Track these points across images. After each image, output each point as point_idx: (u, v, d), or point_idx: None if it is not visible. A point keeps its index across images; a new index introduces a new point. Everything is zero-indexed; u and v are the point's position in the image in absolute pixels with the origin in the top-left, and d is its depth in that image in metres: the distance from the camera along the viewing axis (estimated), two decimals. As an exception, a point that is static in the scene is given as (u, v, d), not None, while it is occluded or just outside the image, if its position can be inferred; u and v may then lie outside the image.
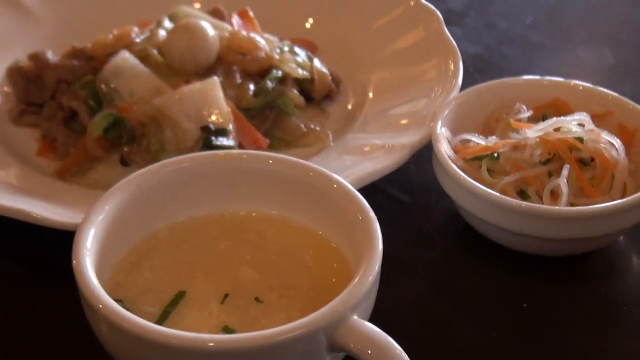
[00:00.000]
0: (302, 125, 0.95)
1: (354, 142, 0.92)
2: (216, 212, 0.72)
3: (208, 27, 0.93)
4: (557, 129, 0.83)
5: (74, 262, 0.61)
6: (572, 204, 0.78)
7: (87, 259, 0.62)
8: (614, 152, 0.82)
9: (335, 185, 0.67)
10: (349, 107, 1.00)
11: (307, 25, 1.11)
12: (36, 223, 0.76)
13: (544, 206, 0.76)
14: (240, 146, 0.86)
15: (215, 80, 0.89)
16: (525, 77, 0.92)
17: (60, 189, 0.85)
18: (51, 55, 0.96)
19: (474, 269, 0.81)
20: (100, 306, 0.58)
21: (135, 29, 0.97)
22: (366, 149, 0.89)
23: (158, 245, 0.70)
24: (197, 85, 0.87)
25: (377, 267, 0.60)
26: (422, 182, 0.88)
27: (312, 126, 0.95)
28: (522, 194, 0.81)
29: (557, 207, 0.76)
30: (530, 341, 0.73)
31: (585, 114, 0.85)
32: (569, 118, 0.84)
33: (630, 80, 1.03)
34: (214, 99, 0.87)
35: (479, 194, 0.77)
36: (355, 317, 0.58)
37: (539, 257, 0.81)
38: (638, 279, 0.82)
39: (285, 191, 0.71)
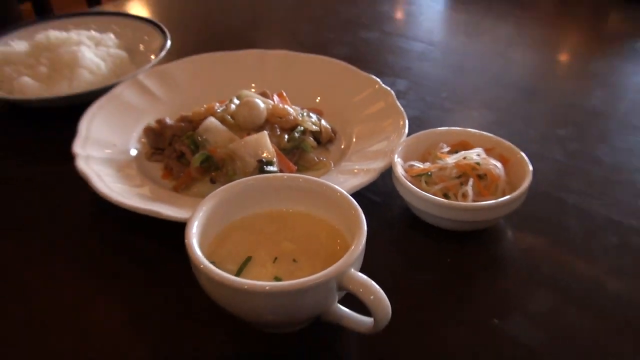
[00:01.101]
0: (315, 158, 0.92)
1: (345, 167, 0.88)
2: (268, 209, 0.71)
3: (260, 102, 0.91)
4: (464, 158, 0.81)
5: (186, 240, 0.62)
6: (474, 201, 0.77)
7: (194, 239, 0.62)
8: (497, 171, 0.80)
9: (338, 194, 0.67)
10: (342, 147, 0.96)
11: (317, 100, 1.07)
12: (163, 219, 0.75)
13: (458, 202, 0.76)
14: (281, 171, 0.84)
15: (265, 133, 0.87)
16: (443, 128, 0.88)
17: (176, 198, 0.83)
18: (169, 120, 0.94)
19: (417, 239, 0.81)
20: (201, 266, 0.59)
21: (217, 104, 0.94)
22: (355, 170, 0.85)
23: (234, 229, 0.69)
24: (254, 136, 0.86)
25: (363, 241, 0.61)
26: (386, 190, 0.87)
27: (321, 158, 0.93)
28: (446, 196, 0.78)
29: (465, 203, 0.76)
30: (452, 281, 0.74)
31: (480, 149, 0.83)
32: (471, 151, 0.82)
33: (504, 129, 1.03)
34: (264, 143, 0.85)
35: (420, 196, 0.77)
36: (352, 270, 0.59)
37: (454, 232, 0.80)
38: (509, 243, 0.80)
39: (309, 197, 0.70)
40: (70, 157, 0.86)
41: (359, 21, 1.55)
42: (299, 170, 0.89)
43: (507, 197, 0.76)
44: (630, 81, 1.27)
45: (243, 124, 0.90)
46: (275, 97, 1.00)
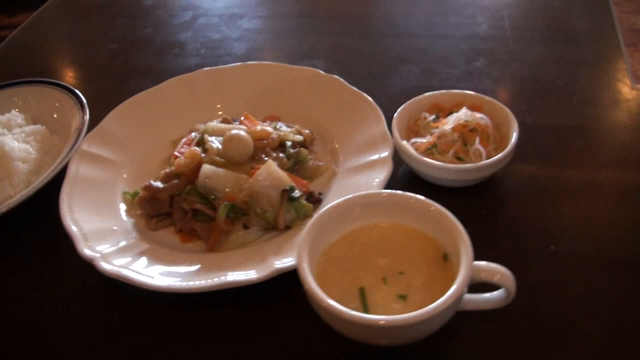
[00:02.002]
0: (314, 165, 0.94)
1: (350, 165, 0.91)
2: (362, 225, 0.73)
3: (242, 132, 0.90)
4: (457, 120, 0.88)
5: (305, 283, 0.64)
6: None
7: (311, 280, 0.64)
8: (484, 122, 0.88)
9: (432, 208, 0.70)
10: (328, 145, 0.98)
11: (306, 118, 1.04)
12: (251, 283, 0.73)
13: (483, 162, 0.83)
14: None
15: (271, 162, 0.87)
16: (416, 98, 0.95)
17: (223, 258, 0.80)
18: (156, 183, 0.88)
19: (425, 191, 0.80)
20: (324, 305, 0.62)
21: (198, 149, 0.90)
22: (363, 165, 0.88)
23: (331, 253, 0.71)
24: (263, 169, 0.85)
25: (471, 248, 0.65)
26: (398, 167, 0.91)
27: (319, 163, 0.94)
28: (460, 159, 0.86)
29: (489, 160, 0.83)
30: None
31: (464, 108, 0.90)
32: (459, 113, 0.89)
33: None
34: (276, 172, 0.85)
35: (447, 168, 0.84)
36: (475, 262, 0.64)
37: (458, 188, 0.88)
38: (499, 190, 0.89)
39: (397, 209, 0.73)
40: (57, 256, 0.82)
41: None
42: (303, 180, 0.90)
43: (513, 141, 0.85)
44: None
45: (238, 159, 0.89)
46: (245, 121, 0.98)
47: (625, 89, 1.07)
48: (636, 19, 1.26)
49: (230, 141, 0.89)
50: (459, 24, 1.32)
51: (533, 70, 1.15)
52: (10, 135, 1.04)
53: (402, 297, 0.67)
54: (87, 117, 1.04)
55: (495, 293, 0.69)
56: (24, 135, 1.05)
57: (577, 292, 0.74)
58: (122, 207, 0.92)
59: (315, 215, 0.72)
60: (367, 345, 0.68)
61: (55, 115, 1.10)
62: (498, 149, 0.88)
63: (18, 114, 1.11)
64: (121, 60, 1.31)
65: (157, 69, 1.27)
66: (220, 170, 0.87)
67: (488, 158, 0.86)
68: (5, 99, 1.15)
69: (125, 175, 0.97)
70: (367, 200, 0.74)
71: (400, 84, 1.15)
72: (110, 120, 1.03)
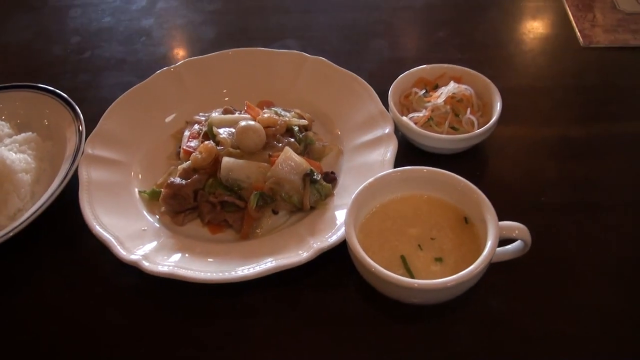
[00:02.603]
0: (320, 145, 1.01)
1: (354, 144, 0.99)
2: (388, 199, 0.83)
3: (254, 123, 0.94)
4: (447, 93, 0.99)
5: (352, 248, 0.75)
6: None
7: (358, 246, 0.75)
8: (469, 92, 0.99)
9: (462, 183, 0.81)
10: (327, 125, 1.05)
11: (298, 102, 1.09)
12: (300, 264, 0.81)
13: (481, 129, 0.93)
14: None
15: (288, 148, 0.92)
16: (405, 73, 1.04)
17: (255, 244, 0.87)
18: (177, 179, 0.92)
19: (425, 159, 0.97)
20: (373, 269, 0.72)
21: (212, 143, 0.94)
22: (367, 143, 0.97)
23: (373, 219, 0.82)
24: (282, 156, 0.90)
25: (494, 212, 0.76)
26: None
27: (324, 143, 1.01)
28: (454, 128, 0.96)
29: (484, 128, 0.94)
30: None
31: (452, 82, 1.01)
32: (452, 85, 1.00)
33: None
34: (295, 157, 0.91)
35: (440, 139, 0.95)
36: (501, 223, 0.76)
37: (450, 155, 0.99)
38: (487, 152, 1.00)
39: (433, 183, 0.82)
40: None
41: None
42: (315, 161, 0.98)
43: (498, 110, 0.96)
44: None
45: (253, 149, 0.94)
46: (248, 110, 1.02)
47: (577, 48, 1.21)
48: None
49: (244, 132, 0.94)
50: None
51: (492, 37, 1.26)
52: (4, 147, 1.03)
53: (439, 260, 0.78)
54: (83, 122, 1.04)
55: (514, 245, 0.81)
56: (17, 145, 1.04)
57: (572, 237, 0.88)
58: (142, 206, 0.96)
59: (355, 194, 0.81)
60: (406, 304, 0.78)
61: (45, 122, 1.09)
62: (483, 116, 1.00)
63: (3, 122, 1.09)
64: (88, 53, 1.29)
65: (129, 60, 1.27)
66: (241, 161, 0.92)
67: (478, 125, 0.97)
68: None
69: (134, 174, 1.00)
70: (398, 175, 0.84)
71: (374, 58, 1.23)
72: (107, 121, 1.05)
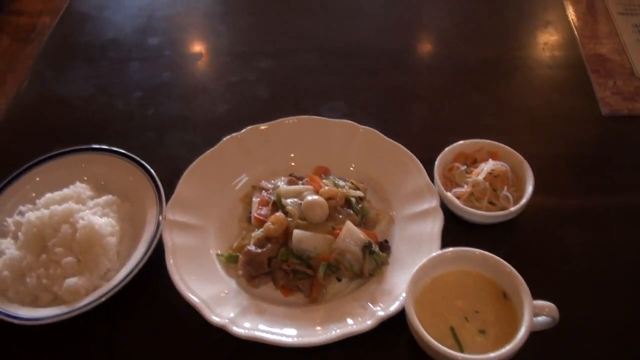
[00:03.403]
0: (375, 214, 1.15)
1: (401, 213, 1.14)
2: (438, 274, 0.99)
3: (318, 197, 1.09)
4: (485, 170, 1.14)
5: (412, 323, 0.91)
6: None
7: (417, 321, 0.90)
8: (504, 168, 1.14)
9: (507, 269, 0.95)
10: (380, 195, 1.19)
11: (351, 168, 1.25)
12: (364, 331, 0.96)
13: (515, 207, 1.08)
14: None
15: (349, 222, 1.06)
16: (447, 149, 1.19)
17: (324, 308, 1.02)
18: (253, 248, 1.07)
19: (463, 227, 1.11)
20: (429, 343, 0.88)
21: (280, 214, 1.09)
22: (415, 214, 1.12)
23: (425, 295, 0.97)
24: (345, 229, 1.05)
25: (529, 291, 0.91)
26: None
27: (377, 211, 1.15)
28: (492, 203, 1.11)
29: (518, 205, 1.09)
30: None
31: (491, 160, 1.15)
32: (490, 163, 1.14)
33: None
34: (355, 230, 1.06)
35: (482, 215, 1.10)
36: (534, 301, 0.91)
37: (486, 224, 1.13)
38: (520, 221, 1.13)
39: (477, 261, 0.98)
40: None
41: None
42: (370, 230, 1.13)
43: (530, 191, 1.11)
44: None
45: (318, 221, 1.09)
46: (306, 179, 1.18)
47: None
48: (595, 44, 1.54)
49: (311, 207, 1.09)
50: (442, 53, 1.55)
51: (520, 101, 1.41)
52: (88, 211, 1.15)
53: (482, 332, 0.93)
54: (162, 189, 1.17)
55: (544, 319, 0.96)
56: (100, 208, 1.16)
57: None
58: (220, 268, 1.11)
59: (413, 273, 0.96)
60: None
61: (123, 184, 1.22)
62: (517, 190, 1.15)
63: (83, 185, 1.21)
64: (152, 110, 1.43)
65: (191, 118, 1.41)
66: (309, 233, 1.07)
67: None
68: (69, 165, 1.26)
69: (210, 238, 1.15)
70: (449, 255, 1.00)
71: (415, 122, 1.38)
72: (183, 187, 1.19)
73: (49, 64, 1.61)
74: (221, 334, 0.99)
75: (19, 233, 1.13)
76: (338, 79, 1.48)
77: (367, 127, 1.26)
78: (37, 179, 1.25)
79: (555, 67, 1.51)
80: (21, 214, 1.19)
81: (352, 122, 1.28)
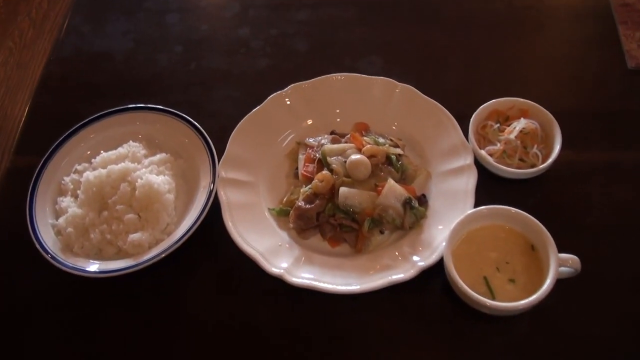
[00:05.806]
0: (413, 170, 1.26)
1: (437, 169, 1.25)
2: (473, 228, 1.12)
3: (362, 156, 1.20)
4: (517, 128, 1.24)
5: (450, 274, 1.05)
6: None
7: (455, 272, 1.05)
8: (534, 126, 1.24)
9: (536, 225, 1.07)
10: (417, 151, 1.30)
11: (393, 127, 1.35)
12: (407, 280, 1.10)
13: (545, 164, 1.20)
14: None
15: (390, 179, 1.18)
16: (481, 107, 1.29)
17: (368, 258, 1.16)
18: (302, 203, 1.19)
19: (494, 181, 1.24)
20: (465, 291, 1.02)
21: (326, 172, 1.20)
22: (450, 170, 1.24)
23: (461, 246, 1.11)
24: (387, 186, 1.17)
25: (554, 244, 1.04)
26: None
27: (415, 167, 1.27)
28: (522, 160, 1.22)
29: (547, 162, 1.20)
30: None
31: (522, 119, 1.25)
32: (522, 122, 1.24)
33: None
34: (396, 187, 1.17)
35: (513, 172, 1.21)
36: (559, 254, 1.03)
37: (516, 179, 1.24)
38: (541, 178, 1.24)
39: (509, 217, 1.11)
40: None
41: None
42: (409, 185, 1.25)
43: (557, 149, 1.22)
44: None
45: (362, 178, 1.21)
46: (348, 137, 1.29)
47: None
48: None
49: (356, 166, 1.21)
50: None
51: (548, 54, 1.50)
52: (144, 169, 1.26)
53: (512, 281, 1.07)
54: (213, 148, 1.28)
55: (566, 269, 1.09)
56: (156, 166, 1.27)
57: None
58: (273, 222, 1.25)
59: (452, 228, 1.10)
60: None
61: (175, 142, 1.33)
62: (546, 148, 1.27)
63: (137, 144, 1.32)
64: (194, 64, 1.52)
65: (233, 73, 1.50)
66: (354, 190, 1.19)
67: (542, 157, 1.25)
68: (124, 124, 1.37)
69: (262, 193, 1.28)
70: (484, 212, 1.13)
71: (450, 77, 1.48)
72: (233, 145, 1.31)
73: (84, 17, 1.68)
74: (275, 283, 1.13)
75: (78, 192, 1.25)
76: (374, 32, 1.55)
77: (404, 85, 1.36)
78: (92, 136, 1.37)
79: (584, 18, 1.57)
80: (78, 172, 1.31)
81: (390, 79, 1.38)
